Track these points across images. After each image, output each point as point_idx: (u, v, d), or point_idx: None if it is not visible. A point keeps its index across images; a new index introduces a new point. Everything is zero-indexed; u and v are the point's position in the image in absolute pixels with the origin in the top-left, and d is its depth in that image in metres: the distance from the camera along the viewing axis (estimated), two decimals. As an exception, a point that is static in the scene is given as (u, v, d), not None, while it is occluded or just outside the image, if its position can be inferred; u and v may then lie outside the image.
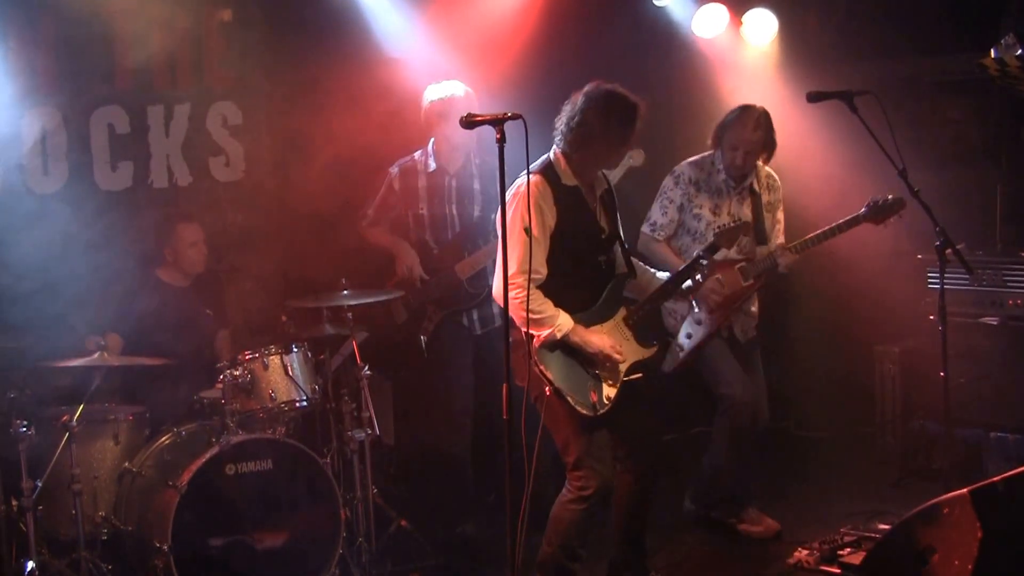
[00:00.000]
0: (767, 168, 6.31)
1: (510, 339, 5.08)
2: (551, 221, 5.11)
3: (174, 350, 6.16)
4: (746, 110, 6.12)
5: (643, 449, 5.41)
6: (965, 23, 7.37)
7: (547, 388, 5.07)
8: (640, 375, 5.30)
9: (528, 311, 4.95)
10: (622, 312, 5.33)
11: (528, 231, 4.88)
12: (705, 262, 5.43)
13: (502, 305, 4.74)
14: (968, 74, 7.10)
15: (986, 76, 6.64)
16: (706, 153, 6.25)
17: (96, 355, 5.77)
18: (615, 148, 5.23)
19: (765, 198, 6.25)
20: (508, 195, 5.07)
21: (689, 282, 5.48)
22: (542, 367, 5.07)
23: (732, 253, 5.99)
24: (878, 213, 5.96)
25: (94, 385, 5.79)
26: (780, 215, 6.35)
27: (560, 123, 5.19)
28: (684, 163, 6.27)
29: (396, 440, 7.26)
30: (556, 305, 5.11)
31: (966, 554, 4.23)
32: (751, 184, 6.20)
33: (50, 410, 5.88)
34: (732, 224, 5.85)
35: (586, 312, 5.21)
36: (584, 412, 5.11)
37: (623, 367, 5.22)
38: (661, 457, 5.54)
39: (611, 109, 5.10)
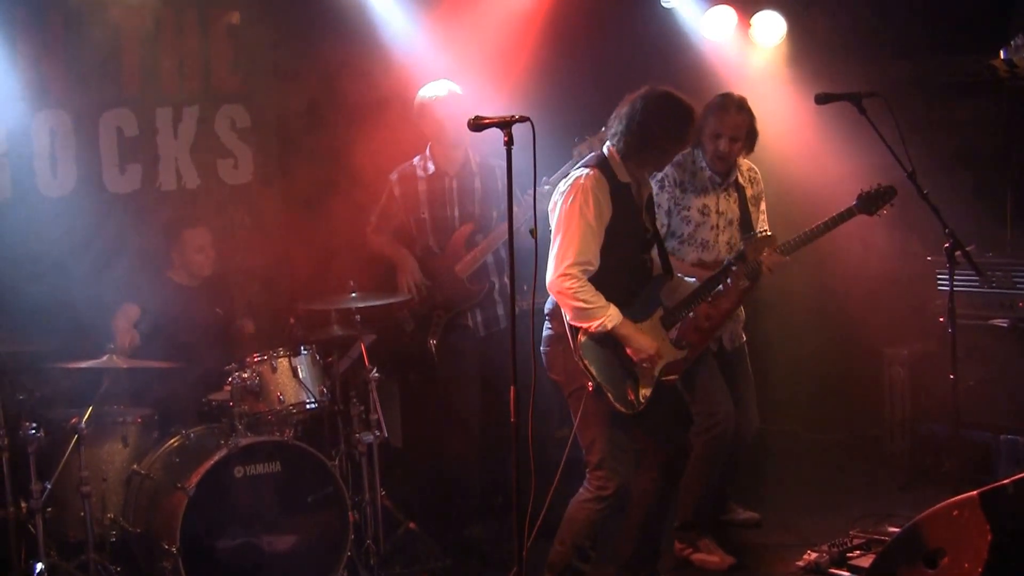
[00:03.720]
0: (747, 161, 6.18)
1: (550, 332, 5.24)
2: (607, 214, 5.14)
3: (185, 350, 6.17)
4: (726, 95, 5.99)
5: (668, 449, 5.41)
6: (974, 24, 7.35)
7: (588, 383, 5.11)
8: (675, 376, 5.32)
9: (581, 301, 5.04)
10: (659, 312, 5.35)
11: (533, 231, 4.87)
12: (735, 268, 5.47)
13: (555, 297, 4.92)
14: (977, 75, 7.08)
15: (995, 77, 6.63)
16: (685, 151, 6.02)
17: (105, 358, 5.78)
18: (672, 149, 5.32)
19: (749, 192, 6.12)
20: (565, 187, 5.14)
21: (720, 287, 5.54)
22: (586, 362, 5.11)
23: (726, 254, 5.93)
24: (870, 203, 5.77)
25: (103, 387, 5.80)
26: (763, 206, 6.24)
27: (618, 124, 5.22)
28: (668, 167, 5.98)
29: (404, 442, 7.26)
30: None
31: (975, 557, 4.22)
32: (735, 178, 6.09)
33: (59, 412, 5.89)
34: (760, 234, 5.76)
35: (626, 309, 5.20)
36: (622, 409, 5.13)
37: (659, 367, 5.24)
38: (685, 457, 5.52)
39: (670, 112, 5.17)
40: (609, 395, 5.12)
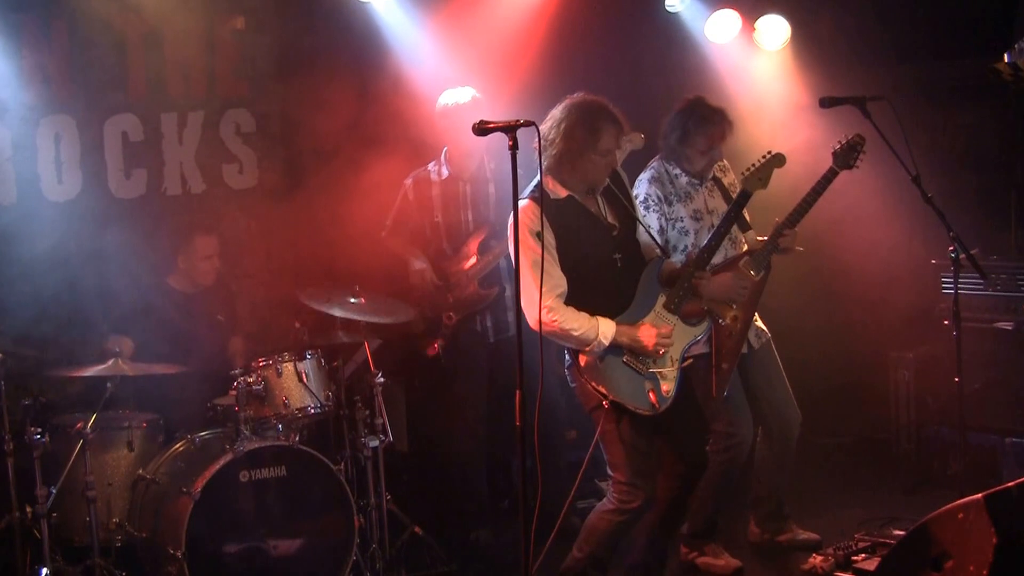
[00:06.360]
0: None
1: (568, 362, 5.18)
2: (551, 240, 5.04)
3: (186, 356, 6.18)
4: (703, 107, 5.81)
5: (688, 460, 5.34)
6: (979, 28, 7.36)
7: (604, 403, 5.07)
8: (691, 360, 5.27)
9: (569, 330, 4.98)
10: (661, 299, 5.23)
11: (540, 236, 4.83)
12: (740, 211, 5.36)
13: (542, 332, 4.73)
14: (982, 79, 7.07)
15: (999, 81, 6.64)
16: (651, 163, 5.95)
17: (110, 363, 5.79)
18: (592, 158, 5.10)
19: (726, 180, 6.01)
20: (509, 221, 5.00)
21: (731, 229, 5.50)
22: (594, 383, 5.07)
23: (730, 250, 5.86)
24: (846, 158, 5.66)
25: (108, 392, 5.80)
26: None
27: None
28: (644, 185, 5.87)
29: (410, 447, 7.27)
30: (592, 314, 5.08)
31: (981, 560, 4.22)
32: (711, 173, 5.98)
33: (64, 417, 5.91)
34: (759, 162, 5.43)
35: (623, 313, 5.15)
36: (646, 412, 5.08)
37: (675, 355, 5.19)
38: (703, 470, 5.44)
39: (581, 120, 5.04)
40: (629, 406, 5.06)
